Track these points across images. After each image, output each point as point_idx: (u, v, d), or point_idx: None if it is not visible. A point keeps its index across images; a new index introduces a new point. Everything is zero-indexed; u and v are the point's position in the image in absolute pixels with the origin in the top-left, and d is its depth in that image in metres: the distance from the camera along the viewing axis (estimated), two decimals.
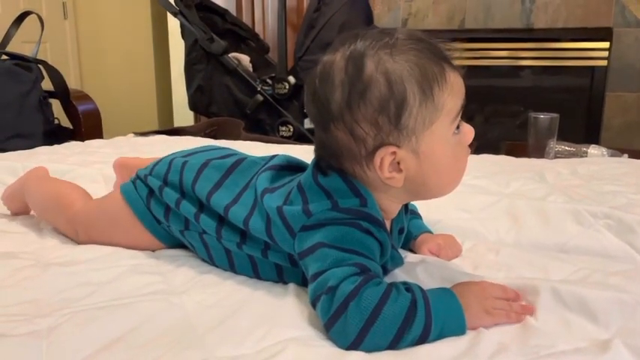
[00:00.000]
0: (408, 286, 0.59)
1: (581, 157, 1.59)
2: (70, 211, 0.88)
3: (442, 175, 0.65)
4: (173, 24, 3.00)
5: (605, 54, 2.53)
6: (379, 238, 0.64)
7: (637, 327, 0.57)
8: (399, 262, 0.72)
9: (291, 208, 0.65)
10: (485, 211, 0.97)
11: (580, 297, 0.60)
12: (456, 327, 0.57)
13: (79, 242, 0.87)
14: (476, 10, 2.75)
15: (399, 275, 0.71)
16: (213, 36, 2.39)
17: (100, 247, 0.82)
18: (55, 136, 2.18)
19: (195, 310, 0.64)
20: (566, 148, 1.65)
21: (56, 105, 2.29)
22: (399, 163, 0.63)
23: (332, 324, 0.57)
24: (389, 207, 0.68)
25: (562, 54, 2.59)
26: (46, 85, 2.25)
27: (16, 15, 2.36)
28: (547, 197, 1.00)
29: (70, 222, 0.88)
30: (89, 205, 0.88)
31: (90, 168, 1.26)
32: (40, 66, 2.23)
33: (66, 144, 1.74)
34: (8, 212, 1.03)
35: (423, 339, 0.56)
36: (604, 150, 1.62)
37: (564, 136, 1.67)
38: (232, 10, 3.02)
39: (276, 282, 0.71)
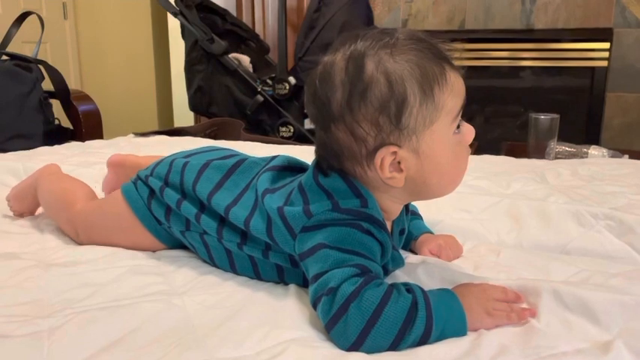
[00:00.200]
0: (408, 287, 0.59)
1: (582, 157, 1.59)
2: (71, 211, 0.88)
3: (443, 175, 0.65)
4: (173, 24, 3.00)
5: (606, 54, 2.53)
6: (380, 239, 0.64)
7: (638, 328, 0.57)
8: (399, 262, 0.72)
9: (291, 208, 0.65)
10: (485, 212, 0.97)
11: (581, 298, 0.60)
12: (457, 328, 0.57)
13: (78, 242, 0.87)
14: (476, 11, 2.75)
15: (399, 276, 0.71)
16: (214, 36, 2.39)
17: (101, 247, 0.82)
18: (55, 136, 2.18)
19: (195, 311, 0.64)
20: (567, 148, 1.65)
21: (56, 105, 2.29)
22: (399, 162, 0.63)
23: (333, 325, 0.57)
24: (390, 207, 0.68)
25: (562, 54, 2.59)
26: (47, 85, 2.25)
27: (17, 15, 2.36)
28: (548, 198, 1.00)
29: (71, 221, 0.88)
30: (90, 206, 0.88)
31: (90, 168, 1.26)
32: (41, 66, 2.23)
33: (66, 144, 1.74)
34: (12, 213, 1.02)
35: (424, 340, 0.56)
36: (604, 150, 1.62)
37: (565, 137, 1.68)
38: (232, 11, 3.02)
39: (277, 283, 0.71)
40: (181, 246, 0.83)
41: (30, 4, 3.10)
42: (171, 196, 0.78)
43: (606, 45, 2.53)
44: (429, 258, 0.77)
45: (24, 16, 2.36)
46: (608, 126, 2.65)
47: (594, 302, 0.60)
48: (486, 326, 0.58)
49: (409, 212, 0.81)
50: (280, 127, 2.39)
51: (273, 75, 2.43)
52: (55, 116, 2.29)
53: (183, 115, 3.27)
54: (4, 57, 2.23)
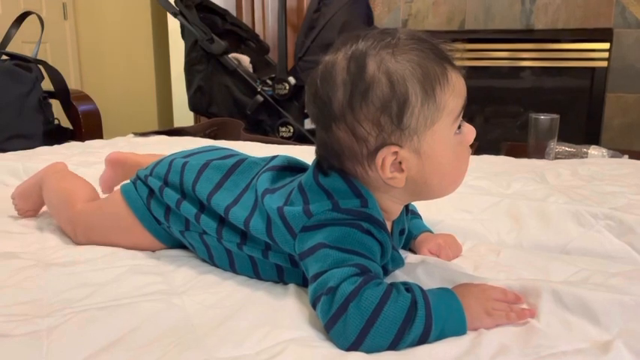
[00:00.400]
0: (408, 287, 0.59)
1: (582, 157, 1.59)
2: (71, 211, 0.88)
3: (444, 175, 0.65)
4: (173, 24, 3.00)
5: (606, 55, 2.53)
6: (380, 239, 0.64)
7: (638, 328, 0.57)
8: (399, 263, 0.72)
9: (291, 208, 0.65)
10: (486, 212, 0.97)
11: (581, 299, 0.60)
12: (456, 327, 0.57)
13: (77, 243, 0.87)
14: (476, 11, 2.76)
15: (399, 276, 0.71)
16: (214, 36, 2.39)
17: (100, 247, 0.82)
18: (55, 136, 2.18)
19: (195, 310, 0.63)
20: (567, 148, 1.65)
21: (56, 105, 2.29)
22: (400, 163, 0.63)
23: (332, 325, 0.57)
24: (390, 207, 0.68)
25: (562, 55, 2.59)
26: (46, 85, 2.25)
27: (17, 15, 2.36)
28: (548, 198, 1.00)
29: (70, 222, 0.88)
30: (89, 207, 0.88)
31: (90, 168, 1.26)
32: (40, 66, 2.23)
33: (66, 144, 1.74)
34: (12, 213, 1.02)
35: (423, 339, 0.56)
36: (604, 151, 1.62)
37: (565, 137, 1.68)
38: (232, 11, 3.02)
39: (277, 282, 0.71)
40: (181, 246, 0.83)
41: (30, 4, 3.10)
42: (170, 196, 0.78)
43: (606, 45, 2.53)
44: (429, 258, 0.77)
45: (24, 16, 2.36)
46: (608, 126, 2.65)
47: (594, 302, 0.60)
48: (486, 326, 0.58)
49: (409, 212, 0.81)
50: (280, 127, 2.39)
51: (273, 75, 2.43)
52: (55, 116, 2.29)
53: (183, 115, 3.27)
54: (4, 57, 2.23)
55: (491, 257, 0.79)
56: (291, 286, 0.69)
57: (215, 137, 1.98)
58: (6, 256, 0.79)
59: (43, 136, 2.16)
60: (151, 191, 0.81)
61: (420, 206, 0.87)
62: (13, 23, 2.33)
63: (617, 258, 0.82)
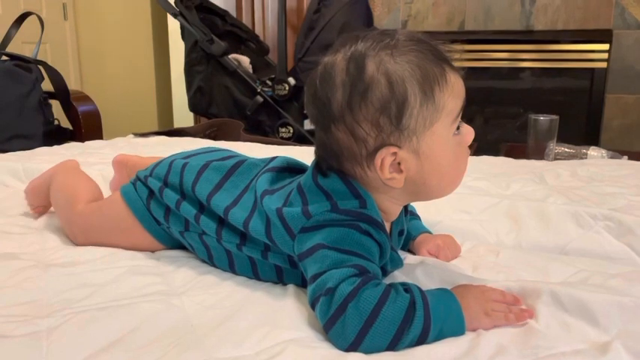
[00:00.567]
0: (406, 287, 0.59)
1: (581, 158, 1.59)
2: (71, 211, 0.88)
3: (443, 176, 0.65)
4: (173, 25, 3.00)
5: (605, 56, 2.53)
6: (378, 240, 0.64)
7: (637, 330, 0.57)
8: (398, 264, 0.72)
9: (290, 209, 0.65)
10: (485, 213, 0.97)
11: (580, 300, 0.60)
12: (455, 328, 0.57)
13: (76, 244, 0.87)
14: (475, 12, 2.76)
15: (398, 277, 0.71)
16: (213, 37, 2.40)
17: (100, 248, 0.82)
18: (54, 136, 2.18)
19: (194, 311, 0.64)
20: (566, 149, 1.66)
21: (56, 106, 2.30)
22: (399, 163, 0.63)
23: (331, 325, 0.57)
24: (389, 208, 0.68)
25: (562, 56, 2.59)
26: (46, 85, 2.25)
27: (17, 16, 2.36)
28: (547, 199, 1.00)
29: (70, 222, 0.88)
30: (89, 208, 0.88)
31: (90, 169, 1.26)
32: (40, 67, 2.23)
33: (66, 145, 1.74)
34: (12, 213, 1.02)
35: (422, 340, 0.56)
36: (604, 152, 1.62)
37: (564, 138, 1.68)
38: (232, 12, 3.03)
39: (276, 283, 0.71)
40: (180, 246, 0.83)
41: (30, 4, 3.10)
42: (170, 197, 0.78)
43: (606, 46, 2.53)
44: (428, 258, 0.77)
45: (24, 16, 2.36)
46: (608, 127, 2.65)
47: (593, 304, 0.60)
48: (484, 326, 0.58)
49: (408, 213, 0.81)
50: (280, 128, 2.40)
51: (273, 76, 2.43)
52: (55, 117, 2.29)
53: (182, 115, 3.27)
54: (4, 57, 2.23)
55: (491, 258, 0.79)
56: (291, 287, 0.69)
57: (215, 138, 1.98)
58: (6, 257, 0.79)
59: (43, 136, 2.16)
60: (151, 192, 0.81)
61: (418, 207, 0.87)
62: (13, 24, 2.33)
63: (617, 259, 0.82)
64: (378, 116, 0.61)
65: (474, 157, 1.38)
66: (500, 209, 0.97)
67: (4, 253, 0.82)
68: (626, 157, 1.58)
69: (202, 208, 0.75)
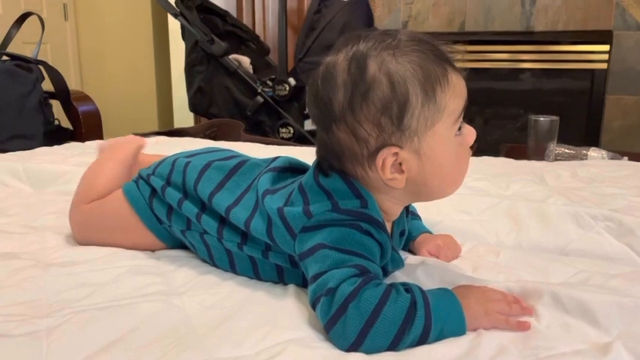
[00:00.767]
0: (407, 287, 0.59)
1: (581, 159, 1.59)
2: (76, 209, 0.87)
3: (444, 176, 0.65)
4: (174, 25, 3.01)
5: (606, 57, 2.53)
6: (379, 240, 0.64)
7: (638, 331, 0.57)
8: (399, 264, 0.72)
9: (291, 209, 0.65)
10: (485, 213, 0.97)
11: (580, 301, 0.60)
12: (456, 328, 0.57)
13: (77, 242, 0.87)
14: (476, 13, 2.76)
15: (399, 277, 0.71)
16: (214, 37, 2.40)
17: (100, 247, 0.82)
18: (55, 136, 2.18)
19: (195, 311, 0.64)
20: (566, 150, 1.66)
21: (56, 106, 2.30)
22: (400, 164, 0.63)
23: (332, 325, 0.57)
24: (390, 208, 0.68)
25: (562, 57, 2.59)
26: (47, 85, 2.25)
27: (17, 16, 2.36)
28: (547, 199, 1.00)
29: (72, 219, 0.88)
30: (91, 207, 0.88)
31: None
32: (41, 67, 2.23)
33: (66, 145, 1.74)
34: (9, 213, 1.02)
35: (423, 340, 0.56)
36: (604, 152, 1.62)
37: (564, 139, 1.68)
38: (233, 12, 3.03)
39: (276, 283, 0.71)
40: (181, 246, 0.83)
41: (30, 4, 3.11)
42: (172, 196, 0.78)
43: (606, 47, 2.53)
44: (428, 259, 0.77)
45: (24, 16, 2.36)
46: (608, 128, 2.65)
47: (594, 304, 0.60)
48: (484, 326, 0.58)
49: (409, 214, 0.81)
50: (280, 128, 2.40)
51: (273, 76, 2.43)
52: (55, 117, 2.29)
53: (183, 115, 3.27)
54: (5, 57, 2.23)
55: (491, 258, 0.79)
56: (291, 287, 0.69)
57: (215, 138, 1.99)
58: (5, 257, 0.79)
59: (44, 136, 2.16)
60: (154, 190, 0.82)
61: (419, 207, 0.87)
62: (13, 24, 2.33)
63: (617, 260, 0.82)
64: (380, 116, 0.61)
65: (475, 157, 1.38)
66: (500, 210, 0.97)
67: (4, 252, 0.82)
68: (626, 158, 1.59)
69: (204, 207, 0.75)
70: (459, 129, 0.65)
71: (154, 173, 0.82)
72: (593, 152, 1.63)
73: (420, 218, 0.86)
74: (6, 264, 0.76)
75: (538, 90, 2.73)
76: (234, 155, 0.83)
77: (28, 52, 2.37)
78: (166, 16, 3.13)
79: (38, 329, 0.59)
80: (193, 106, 2.57)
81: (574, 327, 0.58)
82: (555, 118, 1.61)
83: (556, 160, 1.59)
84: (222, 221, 0.73)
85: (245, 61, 2.51)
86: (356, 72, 0.61)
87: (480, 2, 2.74)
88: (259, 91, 2.39)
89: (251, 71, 2.51)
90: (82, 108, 2.28)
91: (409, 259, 0.77)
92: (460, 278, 0.69)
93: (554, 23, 2.65)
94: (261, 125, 2.45)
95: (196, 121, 3.21)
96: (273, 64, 2.67)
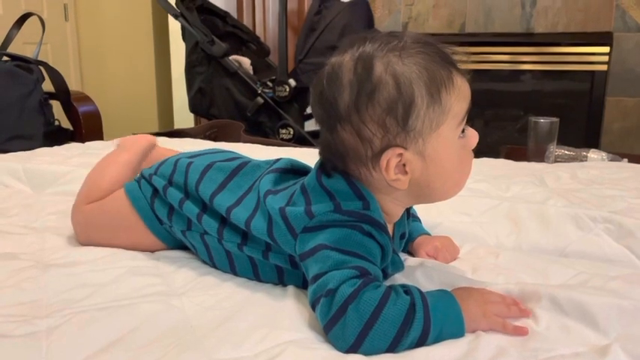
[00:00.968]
0: (406, 289, 0.59)
1: (581, 161, 1.59)
2: (78, 208, 0.87)
3: (447, 178, 0.66)
4: (174, 26, 3.01)
5: (606, 59, 2.53)
6: (380, 242, 0.64)
7: (636, 333, 0.57)
8: (399, 266, 0.72)
9: (293, 209, 0.65)
10: (485, 215, 0.97)
11: (580, 303, 0.60)
12: (454, 330, 0.57)
13: (78, 240, 0.87)
14: (476, 15, 2.76)
15: (398, 278, 0.71)
16: (214, 38, 2.40)
17: (100, 248, 0.82)
18: (55, 137, 2.19)
19: (194, 311, 0.64)
20: (566, 152, 1.66)
21: (57, 106, 2.30)
22: (404, 165, 0.63)
23: (331, 327, 0.57)
24: (392, 210, 0.68)
25: (562, 58, 2.59)
26: (47, 86, 2.25)
27: (18, 16, 2.36)
28: (547, 201, 1.00)
29: (73, 218, 0.88)
30: (91, 206, 0.88)
31: (90, 169, 1.26)
32: (41, 67, 2.24)
33: (66, 145, 1.74)
34: (8, 213, 1.02)
35: (421, 341, 0.56)
36: (604, 154, 1.63)
37: (564, 141, 1.68)
38: (233, 13, 3.03)
39: (276, 284, 0.72)
40: (181, 247, 0.83)
41: (31, 5, 3.11)
42: (174, 196, 0.78)
43: (606, 49, 2.53)
44: (428, 261, 0.77)
45: (25, 17, 2.36)
46: (608, 130, 2.65)
47: (593, 306, 0.60)
48: (482, 328, 0.58)
49: (410, 216, 0.81)
50: (280, 129, 2.40)
51: (274, 77, 2.43)
52: (55, 117, 2.29)
53: (183, 116, 3.27)
54: (5, 58, 2.23)
55: (490, 260, 0.79)
56: (291, 288, 0.69)
57: (215, 139, 1.99)
58: (5, 257, 0.79)
59: (44, 137, 2.17)
60: (155, 190, 0.82)
61: (419, 208, 0.87)
62: (14, 24, 2.33)
63: (616, 261, 0.82)
64: (385, 117, 0.61)
65: (475, 159, 1.37)
66: (500, 211, 0.97)
67: (4, 253, 0.82)
68: (626, 159, 1.59)
69: (205, 207, 0.76)
70: (463, 131, 0.65)
71: (156, 173, 0.83)
72: (593, 154, 1.63)
73: (419, 220, 0.86)
74: (6, 264, 0.76)
75: (538, 92, 2.73)
76: (236, 157, 0.83)
77: (28, 52, 2.37)
78: (167, 17, 3.14)
79: (38, 330, 0.59)
80: (193, 107, 2.57)
81: (573, 329, 0.58)
82: (555, 119, 1.61)
83: (556, 161, 1.59)
84: (223, 222, 0.73)
85: (245, 62, 2.51)
86: (362, 72, 0.61)
87: (480, 4, 2.75)
88: (259, 92, 2.40)
89: (251, 72, 2.51)
90: (82, 108, 2.28)
91: (408, 260, 0.77)
92: (459, 280, 0.69)
93: (555, 25, 2.65)
94: (261, 126, 2.45)
95: (196, 121, 3.22)
96: (273, 65, 2.67)
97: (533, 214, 0.95)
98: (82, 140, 1.90)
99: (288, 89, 2.37)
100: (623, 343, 0.55)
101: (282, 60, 2.39)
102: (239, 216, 0.70)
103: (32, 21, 2.36)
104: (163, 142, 1.73)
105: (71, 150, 1.59)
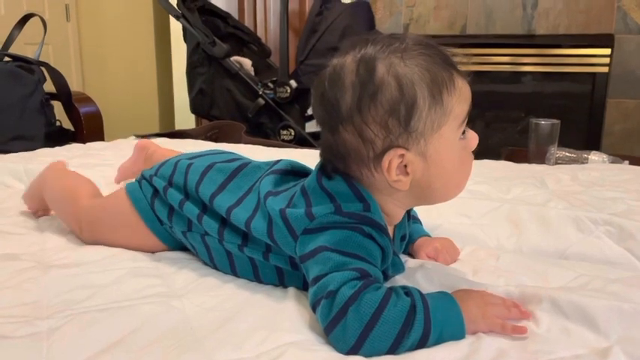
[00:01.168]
0: (407, 291, 0.59)
1: (582, 163, 1.59)
2: (75, 206, 0.89)
3: (448, 180, 0.66)
4: (175, 27, 3.01)
5: (607, 60, 2.53)
6: (381, 244, 0.64)
7: (637, 336, 0.57)
8: (400, 268, 0.72)
9: (294, 210, 0.65)
10: (485, 217, 0.97)
11: (580, 306, 0.60)
12: (455, 331, 0.57)
13: (82, 238, 0.87)
14: (477, 16, 2.76)
15: (398, 280, 0.71)
16: (216, 39, 2.40)
17: (100, 249, 0.82)
18: (56, 138, 2.19)
19: (195, 313, 0.64)
20: (567, 154, 1.66)
21: (58, 107, 2.30)
22: (406, 166, 0.63)
23: (331, 328, 0.57)
24: (393, 211, 0.69)
25: (563, 60, 2.59)
26: (48, 87, 2.26)
27: (19, 17, 2.37)
28: (547, 203, 1.00)
29: (75, 217, 0.89)
30: (94, 202, 0.89)
31: (91, 170, 1.26)
32: (43, 68, 2.24)
33: (67, 146, 1.74)
34: (12, 214, 1.02)
35: (422, 343, 0.56)
36: (605, 156, 1.62)
37: (565, 142, 1.68)
38: (234, 14, 3.03)
39: (277, 286, 0.72)
40: (182, 248, 0.83)
41: (33, 5, 3.11)
42: (174, 197, 0.79)
43: (607, 51, 2.53)
44: (428, 262, 0.77)
45: (26, 17, 2.37)
46: (609, 132, 2.65)
47: (593, 309, 0.60)
48: (482, 329, 0.58)
49: (410, 218, 0.81)
50: (281, 131, 2.40)
51: (275, 78, 2.43)
52: (57, 118, 2.30)
53: (184, 117, 3.28)
54: (7, 58, 2.23)
55: (491, 262, 0.79)
56: (291, 289, 0.69)
57: (216, 140, 1.99)
58: (6, 258, 0.79)
59: (45, 137, 2.17)
60: (156, 191, 0.82)
61: (419, 210, 0.87)
62: (15, 25, 2.33)
63: (617, 264, 0.82)
64: (387, 118, 0.61)
65: (475, 160, 1.37)
66: (500, 213, 0.97)
67: (5, 253, 0.82)
68: (627, 161, 1.58)
69: (205, 208, 0.76)
70: (463, 133, 0.66)
71: (157, 174, 0.83)
72: (593, 156, 1.63)
73: (420, 222, 0.86)
74: (6, 265, 0.77)
75: (539, 93, 2.73)
76: (236, 158, 0.83)
77: (30, 53, 2.37)
78: (168, 18, 3.14)
79: (39, 331, 0.59)
80: (194, 108, 2.58)
81: (573, 331, 0.58)
82: (556, 121, 1.61)
83: (557, 163, 1.59)
84: (223, 222, 0.73)
85: (246, 63, 2.52)
86: (364, 74, 0.61)
87: (482, 5, 2.75)
88: (260, 93, 2.40)
89: (252, 73, 2.51)
90: (83, 109, 2.28)
91: (409, 262, 0.77)
92: (460, 282, 0.69)
93: (556, 26, 2.65)
94: (262, 127, 2.45)
95: (197, 122, 3.22)
96: (274, 66, 2.67)
97: (533, 216, 0.95)
98: (83, 141, 1.90)
99: (289, 90, 2.37)
100: (624, 345, 0.55)
101: (283, 61, 2.39)
102: (239, 216, 0.70)
103: (34, 21, 2.36)
104: (164, 143, 1.74)
105: (72, 151, 1.59)
